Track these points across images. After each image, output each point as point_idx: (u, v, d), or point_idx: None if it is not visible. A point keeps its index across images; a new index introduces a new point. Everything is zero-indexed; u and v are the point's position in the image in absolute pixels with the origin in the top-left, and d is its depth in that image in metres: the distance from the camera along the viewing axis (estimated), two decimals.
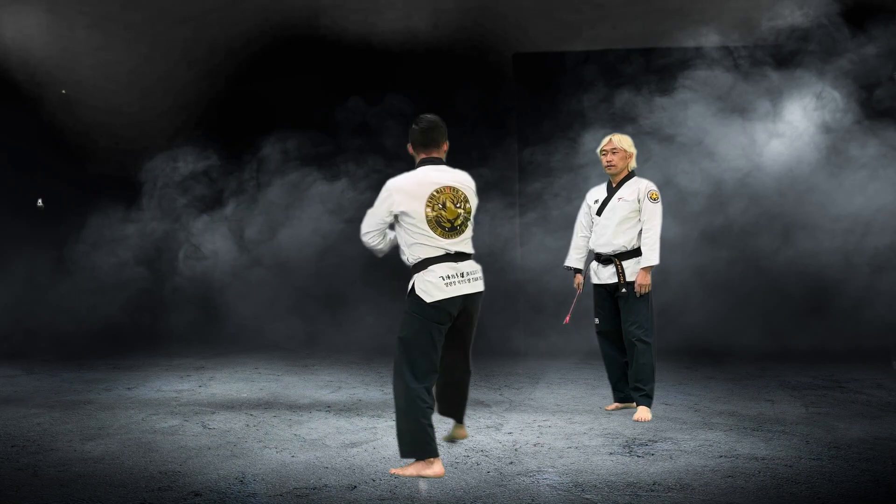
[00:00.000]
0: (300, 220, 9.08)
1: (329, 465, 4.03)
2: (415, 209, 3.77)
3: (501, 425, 4.95)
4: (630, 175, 5.35)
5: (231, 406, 5.59)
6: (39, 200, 9.38)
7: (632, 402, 5.38)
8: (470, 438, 4.57)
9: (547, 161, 8.51)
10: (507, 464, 4.06)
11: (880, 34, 7.64)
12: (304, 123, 9.04)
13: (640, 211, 5.24)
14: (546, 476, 3.85)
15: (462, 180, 3.92)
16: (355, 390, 6.23)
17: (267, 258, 9.31)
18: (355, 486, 3.68)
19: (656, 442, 4.50)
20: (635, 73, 8.42)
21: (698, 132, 7.92)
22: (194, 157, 9.16)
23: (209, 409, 5.49)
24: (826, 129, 7.95)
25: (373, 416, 5.22)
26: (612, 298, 5.36)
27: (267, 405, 5.62)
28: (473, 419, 5.10)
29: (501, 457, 4.20)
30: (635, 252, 5.26)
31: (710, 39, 8.00)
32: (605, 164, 5.34)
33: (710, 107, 7.83)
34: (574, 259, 5.55)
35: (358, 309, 9.08)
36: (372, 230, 3.90)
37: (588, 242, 5.49)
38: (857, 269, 8.26)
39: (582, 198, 5.63)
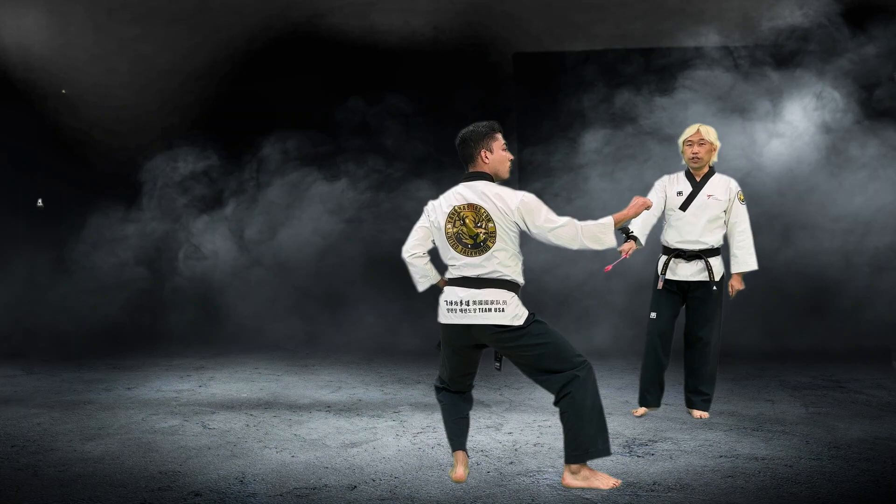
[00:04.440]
0: (300, 220, 9.08)
1: (329, 465, 4.03)
2: (440, 223, 3.69)
3: (501, 425, 4.95)
4: (712, 170, 5.09)
5: (231, 406, 5.59)
6: (39, 200, 9.38)
7: (658, 406, 5.21)
8: (470, 438, 4.57)
9: (547, 161, 8.51)
10: (507, 464, 4.06)
11: (880, 34, 7.64)
12: (304, 123, 9.04)
13: (727, 211, 5.04)
14: (546, 476, 3.84)
15: (490, 198, 3.63)
16: (355, 390, 6.23)
17: (267, 258, 9.31)
18: (355, 486, 3.68)
19: (656, 442, 4.50)
20: (635, 73, 8.42)
21: None
22: (194, 157, 9.16)
23: (209, 409, 5.48)
24: (826, 129, 7.95)
25: (373, 416, 5.22)
26: (681, 297, 5.11)
27: (267, 405, 5.62)
28: (473, 419, 5.10)
29: (501, 457, 4.19)
30: (718, 251, 5.07)
31: (710, 39, 8.00)
32: (690, 155, 5.02)
33: (710, 107, 7.83)
34: (637, 227, 5.04)
35: (358, 309, 9.08)
36: (408, 245, 3.81)
37: (655, 220, 5.11)
38: (857, 269, 8.26)
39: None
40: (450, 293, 3.67)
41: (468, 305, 3.62)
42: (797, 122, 8.02)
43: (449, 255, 3.69)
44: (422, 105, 9.02)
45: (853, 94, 7.78)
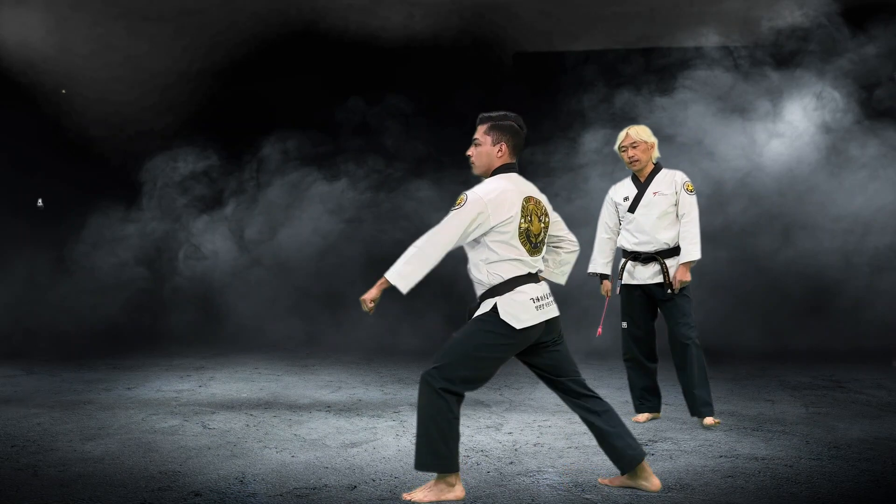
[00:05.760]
0: (300, 220, 9.08)
1: (329, 465, 4.03)
2: (510, 221, 3.42)
3: (501, 425, 4.95)
4: (657, 167, 5.02)
5: (231, 406, 5.59)
6: (39, 200, 9.39)
7: (659, 411, 5.09)
8: (470, 438, 4.57)
9: (547, 161, 8.51)
10: (507, 464, 4.06)
11: (880, 34, 7.64)
12: (304, 123, 9.05)
13: (677, 204, 4.93)
14: (546, 476, 3.84)
15: (538, 192, 3.61)
16: (355, 390, 6.23)
17: (267, 258, 9.31)
18: (355, 486, 3.68)
19: (656, 442, 4.50)
20: (635, 73, 8.43)
21: (698, 132, 7.92)
22: (194, 157, 9.16)
23: (209, 409, 5.48)
24: (826, 129, 7.95)
25: (373, 416, 5.22)
26: (648, 300, 5.04)
27: (267, 405, 5.62)
28: (473, 419, 5.10)
29: (501, 457, 4.19)
30: (677, 250, 4.95)
31: (710, 39, 8.00)
32: (628, 160, 4.98)
33: (710, 107, 7.84)
34: (600, 264, 5.16)
35: (358, 309, 9.04)
36: (450, 248, 3.43)
37: (614, 243, 5.16)
38: (857, 269, 8.27)
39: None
40: (531, 290, 3.47)
41: (548, 298, 3.56)
42: (797, 122, 8.02)
43: (515, 252, 3.46)
44: (422, 105, 9.03)
45: (853, 94, 7.78)
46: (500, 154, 3.57)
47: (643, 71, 8.43)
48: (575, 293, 8.16)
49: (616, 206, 5.11)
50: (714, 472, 3.90)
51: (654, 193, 4.96)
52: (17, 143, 8.99)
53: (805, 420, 5.06)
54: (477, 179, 3.67)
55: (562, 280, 3.88)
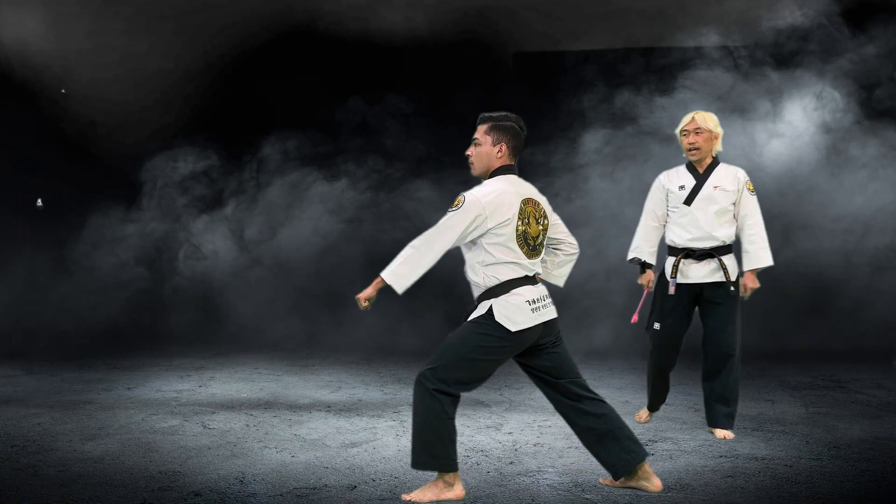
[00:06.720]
0: (300, 220, 9.08)
1: (329, 465, 4.03)
2: (507, 224, 3.42)
3: (501, 425, 4.95)
4: (716, 160, 4.67)
5: (231, 406, 5.59)
6: (39, 200, 9.39)
7: (657, 409, 5.00)
8: (470, 438, 4.57)
9: (547, 161, 8.52)
10: (507, 464, 4.06)
11: (880, 34, 7.64)
12: (304, 123, 9.05)
13: (736, 203, 4.62)
14: (546, 476, 3.84)
15: (538, 193, 3.62)
16: (355, 390, 6.23)
17: (267, 258, 9.31)
18: (355, 486, 3.68)
19: (656, 442, 4.50)
20: (635, 73, 8.43)
21: None
22: (194, 157, 9.17)
23: (209, 409, 5.48)
24: (826, 129, 7.95)
25: (373, 416, 5.22)
26: (692, 303, 4.68)
27: (267, 405, 5.62)
28: (473, 419, 5.10)
29: (501, 457, 4.19)
30: (730, 248, 4.65)
31: (710, 39, 8.00)
32: (688, 146, 4.61)
33: (710, 107, 7.80)
34: (647, 253, 4.77)
35: (358, 309, 9.06)
36: (447, 249, 3.43)
37: (661, 233, 4.79)
38: (857, 269, 8.27)
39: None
40: (527, 292, 3.47)
41: (546, 300, 3.56)
42: (797, 122, 8.02)
43: (512, 255, 3.46)
44: (422, 105, 9.03)
45: (853, 94, 7.78)
46: (499, 155, 3.58)
47: (643, 71, 8.43)
48: (575, 294, 8.17)
49: (668, 193, 4.73)
50: (714, 472, 3.90)
51: (715, 188, 4.61)
52: (17, 143, 8.99)
53: (805, 420, 5.06)
54: (477, 180, 3.68)
55: (560, 282, 3.87)
